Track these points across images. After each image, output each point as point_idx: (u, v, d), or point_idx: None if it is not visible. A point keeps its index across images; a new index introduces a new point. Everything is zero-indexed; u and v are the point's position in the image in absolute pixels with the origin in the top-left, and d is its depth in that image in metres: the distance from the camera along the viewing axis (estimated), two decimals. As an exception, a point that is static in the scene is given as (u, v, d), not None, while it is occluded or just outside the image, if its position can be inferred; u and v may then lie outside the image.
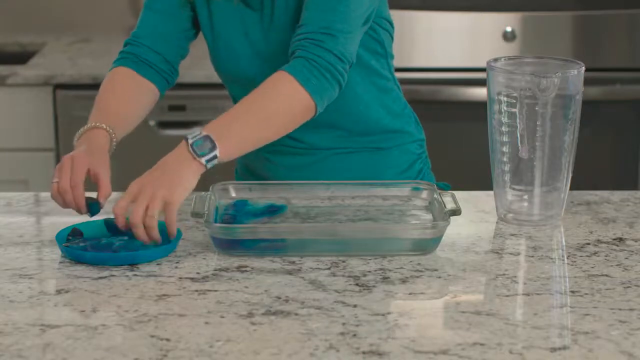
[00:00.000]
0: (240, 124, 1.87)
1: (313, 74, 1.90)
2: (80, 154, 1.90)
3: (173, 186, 1.78)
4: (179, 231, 1.84)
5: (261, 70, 2.01)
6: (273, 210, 1.98)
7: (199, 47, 2.27)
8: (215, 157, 1.81)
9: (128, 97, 2.07)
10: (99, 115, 2.00)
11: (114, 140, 1.98)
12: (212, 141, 1.82)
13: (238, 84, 2.10)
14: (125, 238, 1.82)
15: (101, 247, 1.80)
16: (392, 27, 2.15)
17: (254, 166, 2.21)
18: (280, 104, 1.90)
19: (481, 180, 2.27)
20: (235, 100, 2.11)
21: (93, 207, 1.88)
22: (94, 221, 1.89)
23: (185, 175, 1.80)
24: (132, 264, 1.76)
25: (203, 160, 1.81)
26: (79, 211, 1.88)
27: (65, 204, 1.87)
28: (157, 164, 1.84)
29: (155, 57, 2.10)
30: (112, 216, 1.93)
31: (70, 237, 1.84)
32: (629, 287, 1.69)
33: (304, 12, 1.96)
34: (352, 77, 2.05)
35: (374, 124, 2.13)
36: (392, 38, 2.15)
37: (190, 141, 1.81)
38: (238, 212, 1.95)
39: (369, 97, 2.11)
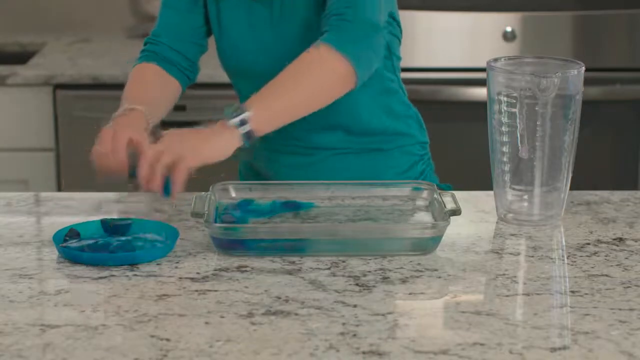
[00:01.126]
0: (276, 94, 1.89)
1: (347, 39, 1.91)
2: (121, 124, 1.90)
3: (193, 148, 1.81)
4: (176, 230, 1.84)
5: (269, 65, 2.02)
6: (291, 207, 1.99)
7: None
8: (244, 121, 1.83)
9: (156, 87, 2.09)
10: (131, 101, 2.01)
11: (150, 122, 1.98)
12: (243, 107, 1.84)
13: (245, 79, 2.11)
14: (123, 238, 1.82)
15: (98, 247, 1.79)
16: (400, 29, 2.15)
17: (257, 165, 2.22)
18: (318, 71, 1.91)
19: (481, 180, 2.27)
20: (242, 96, 2.13)
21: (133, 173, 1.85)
22: (91, 221, 1.89)
23: (212, 140, 1.83)
24: (132, 264, 1.76)
25: (231, 122, 1.83)
26: (119, 176, 1.87)
27: (104, 170, 1.86)
28: (187, 130, 1.85)
29: (175, 55, 2.12)
30: (109, 216, 1.94)
31: (68, 238, 1.84)
32: (629, 287, 1.69)
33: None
34: None
35: (375, 125, 2.14)
36: (399, 40, 2.16)
37: (224, 111, 1.84)
38: (242, 212, 1.95)
39: (371, 99, 2.11)
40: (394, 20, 2.11)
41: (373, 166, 2.15)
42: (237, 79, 2.16)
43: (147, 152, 1.81)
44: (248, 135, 1.84)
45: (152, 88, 2.08)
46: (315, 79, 1.91)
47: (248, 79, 2.06)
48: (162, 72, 2.11)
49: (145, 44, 2.15)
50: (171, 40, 2.12)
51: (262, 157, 2.17)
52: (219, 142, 1.84)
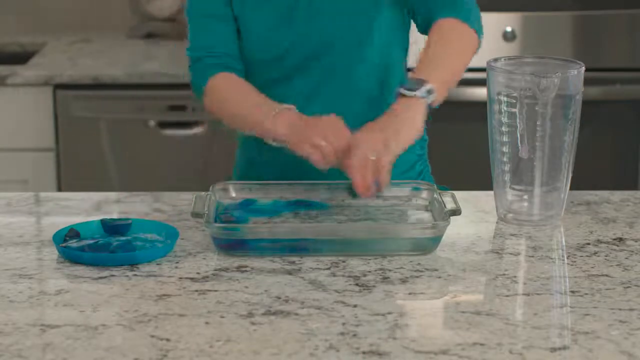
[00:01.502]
0: (438, 65, 1.97)
1: (468, 13, 2.04)
2: (317, 121, 1.94)
3: (391, 138, 1.86)
4: (176, 230, 1.85)
5: (297, 50, 2.09)
6: (302, 205, 2.00)
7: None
8: (430, 90, 1.90)
9: (254, 89, 2.10)
10: (263, 104, 2.03)
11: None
12: (420, 80, 1.91)
13: (266, 67, 2.13)
14: (123, 238, 1.82)
15: (98, 247, 1.79)
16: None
17: (259, 162, 2.21)
18: (461, 43, 2.02)
19: (481, 180, 2.27)
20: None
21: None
22: (91, 221, 1.89)
23: (404, 122, 1.88)
24: (132, 264, 1.76)
25: (418, 93, 1.89)
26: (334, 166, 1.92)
27: (326, 164, 1.92)
28: (379, 120, 1.91)
29: (233, 61, 2.13)
30: (108, 216, 1.94)
31: (68, 238, 1.84)
32: (629, 287, 1.69)
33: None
34: (387, 72, 2.14)
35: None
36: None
37: (401, 90, 1.90)
38: (246, 211, 1.96)
39: (387, 75, 2.17)
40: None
41: None
42: (260, 68, 2.16)
43: (353, 162, 1.85)
44: (430, 106, 1.91)
45: (255, 90, 2.09)
46: (461, 49, 2.02)
47: (271, 68, 2.12)
48: (242, 79, 2.13)
49: (198, 59, 2.13)
50: (227, 48, 2.13)
51: (264, 154, 2.17)
52: (411, 120, 1.90)
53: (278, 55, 2.12)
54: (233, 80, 2.12)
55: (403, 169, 2.18)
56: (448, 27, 2.03)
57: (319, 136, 1.91)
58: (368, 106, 2.16)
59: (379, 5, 2.10)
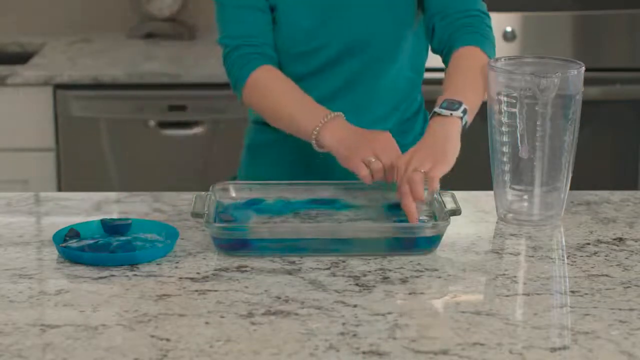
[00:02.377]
0: (466, 87, 2.01)
1: (485, 42, 2.10)
2: (370, 137, 1.95)
3: (437, 159, 1.88)
4: (176, 230, 1.85)
5: (332, 45, 2.10)
6: (319, 203, 2.01)
7: (200, 47, 2.28)
8: (465, 109, 1.93)
9: (298, 88, 2.09)
10: (309, 107, 2.03)
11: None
12: (458, 101, 1.94)
13: (298, 60, 2.12)
14: (123, 238, 1.82)
15: (98, 247, 1.79)
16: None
17: (266, 162, 2.21)
18: (480, 68, 2.03)
19: (481, 180, 2.27)
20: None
21: None
22: (91, 221, 1.89)
23: (447, 142, 1.91)
24: (132, 264, 1.76)
25: (456, 113, 1.92)
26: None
27: (375, 179, 1.93)
28: (422, 141, 1.92)
29: (271, 50, 2.12)
30: (108, 216, 1.94)
31: (68, 238, 1.84)
32: (629, 287, 1.69)
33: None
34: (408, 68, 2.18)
35: (404, 115, 2.19)
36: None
37: (437, 110, 1.93)
38: (255, 211, 1.96)
39: (410, 87, 2.21)
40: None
41: None
42: (293, 62, 2.15)
43: (404, 187, 1.85)
44: (464, 127, 1.95)
45: (301, 91, 2.08)
46: (481, 74, 2.02)
47: (305, 58, 2.12)
48: (284, 75, 2.12)
49: (236, 47, 2.10)
50: (265, 37, 2.11)
51: (271, 155, 2.18)
52: (452, 139, 1.92)
53: (313, 48, 2.12)
54: (276, 76, 2.09)
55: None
56: (471, 55, 2.06)
57: (369, 152, 1.91)
58: (390, 110, 2.17)
59: (412, 15, 2.12)
